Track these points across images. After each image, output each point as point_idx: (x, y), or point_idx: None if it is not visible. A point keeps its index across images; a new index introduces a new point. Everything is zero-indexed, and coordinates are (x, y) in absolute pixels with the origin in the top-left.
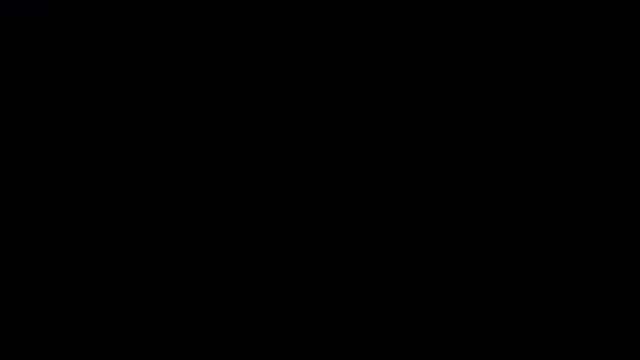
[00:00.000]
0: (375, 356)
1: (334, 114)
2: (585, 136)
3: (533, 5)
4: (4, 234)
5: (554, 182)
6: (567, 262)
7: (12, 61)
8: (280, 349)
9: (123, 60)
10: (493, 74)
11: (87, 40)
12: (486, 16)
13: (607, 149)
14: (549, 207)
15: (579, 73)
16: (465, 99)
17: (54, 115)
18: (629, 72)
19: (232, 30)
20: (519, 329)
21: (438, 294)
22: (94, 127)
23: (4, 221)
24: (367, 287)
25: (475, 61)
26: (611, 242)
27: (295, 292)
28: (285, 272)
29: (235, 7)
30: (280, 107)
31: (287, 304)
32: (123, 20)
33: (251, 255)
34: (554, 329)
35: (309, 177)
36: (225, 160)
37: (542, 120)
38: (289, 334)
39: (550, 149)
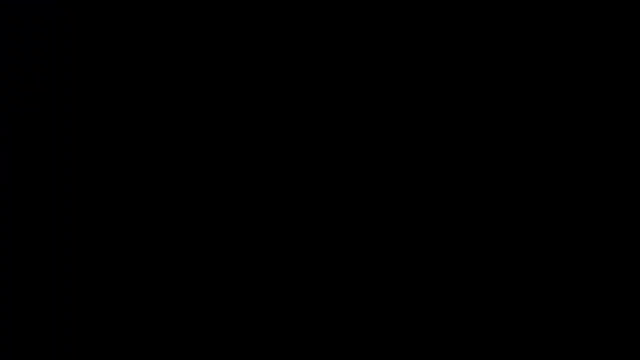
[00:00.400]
0: (375, 356)
1: (334, 114)
2: (585, 136)
3: (533, 5)
4: (4, 234)
5: (554, 182)
6: (567, 262)
7: (12, 61)
8: (280, 349)
9: (123, 61)
10: (493, 74)
11: (87, 40)
12: (486, 16)
13: (607, 149)
14: (549, 207)
15: (579, 73)
16: (465, 99)
17: (54, 115)
18: (629, 72)
19: (232, 30)
20: (519, 329)
21: (438, 294)
22: (94, 127)
23: (4, 221)
24: (367, 287)
25: (475, 61)
26: (611, 242)
27: (295, 292)
28: (285, 272)
29: (235, 7)
30: (280, 107)
31: (287, 304)
32: (123, 20)
33: (251, 255)
34: (554, 329)
35: (309, 177)
36: (225, 160)
37: (542, 120)
38: (289, 334)
39: (550, 149)
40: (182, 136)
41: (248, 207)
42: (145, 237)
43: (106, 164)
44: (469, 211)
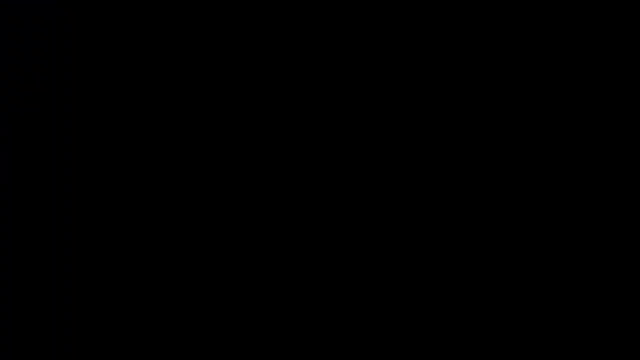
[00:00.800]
0: (375, 356)
1: (334, 114)
2: (585, 136)
3: (533, 5)
4: (4, 234)
5: (554, 182)
6: (567, 262)
7: (12, 61)
8: (280, 349)
9: (123, 60)
10: (493, 74)
11: (87, 40)
12: (486, 16)
13: (607, 149)
14: (549, 207)
15: (579, 73)
16: (465, 99)
17: (54, 115)
18: (629, 72)
19: (232, 30)
20: (519, 329)
21: (438, 294)
22: (94, 127)
23: (4, 221)
24: (367, 287)
25: (475, 61)
26: (611, 242)
27: (295, 292)
28: (285, 272)
29: (235, 7)
30: (280, 107)
31: (287, 304)
32: (123, 20)
33: (251, 256)
34: (554, 329)
35: (309, 178)
36: (225, 160)
37: (542, 120)
38: (289, 334)
39: (550, 149)
40: (182, 136)
41: (248, 207)
42: (145, 237)
43: (106, 164)
44: (469, 211)
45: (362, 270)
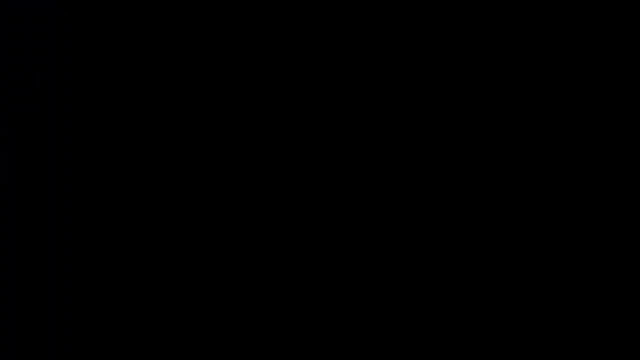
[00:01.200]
0: (375, 356)
1: (334, 115)
2: (585, 136)
3: (533, 5)
4: (4, 234)
5: (553, 182)
6: (567, 262)
7: (12, 61)
8: (280, 349)
9: (123, 60)
10: (493, 74)
11: (87, 40)
12: (486, 16)
13: (607, 149)
14: (549, 207)
15: (579, 73)
16: (465, 99)
17: (54, 115)
18: (629, 72)
19: (232, 30)
20: (519, 329)
21: (438, 294)
22: (94, 127)
23: (4, 221)
24: (367, 287)
25: (475, 61)
26: (611, 242)
27: (295, 292)
28: (285, 272)
29: (235, 7)
30: (280, 107)
31: (287, 304)
32: (123, 21)
33: (251, 256)
34: (554, 329)
35: (309, 178)
36: (224, 160)
37: (542, 121)
38: (289, 334)
39: (550, 149)
40: (182, 136)
41: (248, 207)
42: (145, 237)
43: (106, 164)
44: (468, 211)
45: (362, 270)
